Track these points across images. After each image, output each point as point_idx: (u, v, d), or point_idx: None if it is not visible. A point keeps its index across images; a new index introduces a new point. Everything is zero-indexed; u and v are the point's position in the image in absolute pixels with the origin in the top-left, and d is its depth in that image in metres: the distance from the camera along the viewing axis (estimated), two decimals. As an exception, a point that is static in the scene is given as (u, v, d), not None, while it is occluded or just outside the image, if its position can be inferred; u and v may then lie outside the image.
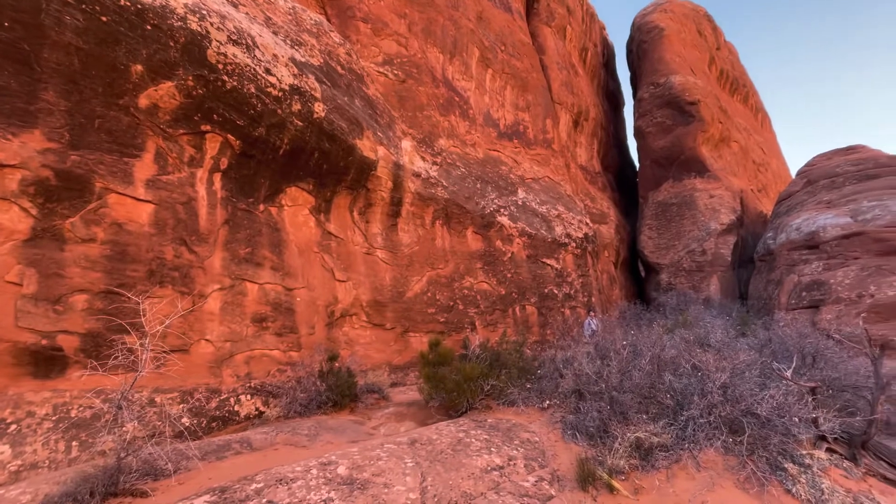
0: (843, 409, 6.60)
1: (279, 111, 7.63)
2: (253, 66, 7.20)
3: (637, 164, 25.60)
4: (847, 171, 15.86)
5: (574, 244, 16.41)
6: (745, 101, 29.76)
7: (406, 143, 11.33)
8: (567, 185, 18.78)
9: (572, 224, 16.81)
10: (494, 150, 15.52)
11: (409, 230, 11.15)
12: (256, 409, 6.97)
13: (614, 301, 21.37)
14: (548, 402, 6.77)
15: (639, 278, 25.03)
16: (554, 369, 7.67)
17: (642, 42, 24.88)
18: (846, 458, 5.31)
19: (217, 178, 7.35)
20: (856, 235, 12.82)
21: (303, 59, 8.72)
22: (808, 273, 13.62)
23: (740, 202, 21.50)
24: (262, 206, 8.10)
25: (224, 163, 7.38)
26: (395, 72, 12.37)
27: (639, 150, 24.39)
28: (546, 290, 14.87)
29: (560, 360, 7.82)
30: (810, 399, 5.75)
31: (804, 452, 5.03)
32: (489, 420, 6.10)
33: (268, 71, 7.45)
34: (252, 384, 7.18)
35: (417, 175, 11.11)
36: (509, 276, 13.62)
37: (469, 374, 6.68)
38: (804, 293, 13.26)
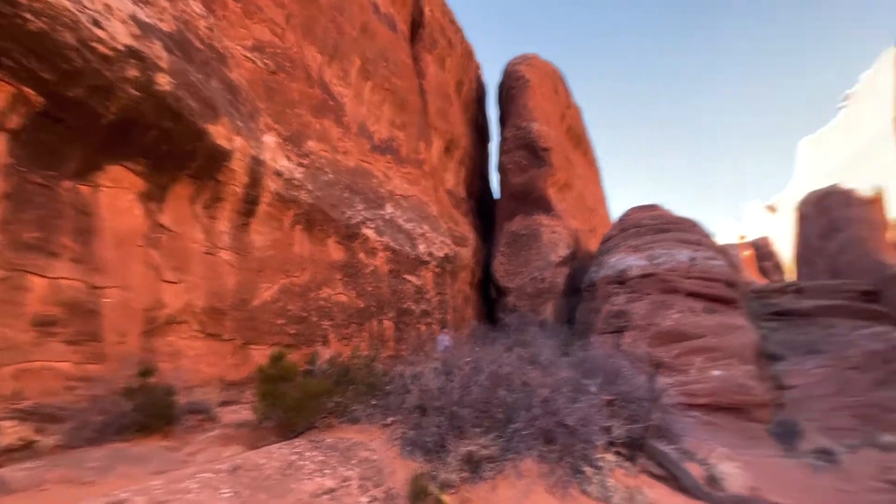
0: (631, 417, 8.06)
1: (107, 73, 6.36)
2: (74, 11, 5.89)
3: (497, 195, 28.11)
4: (649, 223, 19.87)
5: (435, 263, 17.09)
6: (585, 155, 35.27)
7: (270, 138, 10.50)
8: (434, 206, 19.59)
9: (435, 244, 17.53)
10: (366, 162, 15.40)
11: (264, 232, 10.26)
12: (22, 438, 5.45)
13: (467, 320, 22.76)
14: (391, 418, 6.78)
15: (490, 300, 27.21)
16: (402, 385, 7.75)
17: (511, 88, 27.75)
18: (627, 459, 6.46)
19: (1, 139, 5.74)
20: (650, 276, 16.07)
21: (148, 21, 7.47)
22: (617, 304, 16.52)
23: (575, 240, 25.15)
24: (68, 183, 6.58)
25: (15, 121, 5.82)
26: (266, 61, 11.46)
27: (500, 183, 26.85)
28: (405, 306, 15.09)
29: (409, 376, 7.94)
30: (607, 410, 6.89)
31: (599, 456, 5.97)
32: (328, 440, 5.83)
33: (96, 23, 6.18)
34: (22, 405, 5.63)
35: (279, 174, 10.34)
36: (370, 289, 13.48)
37: (312, 391, 6.32)
38: (613, 320, 16.02)
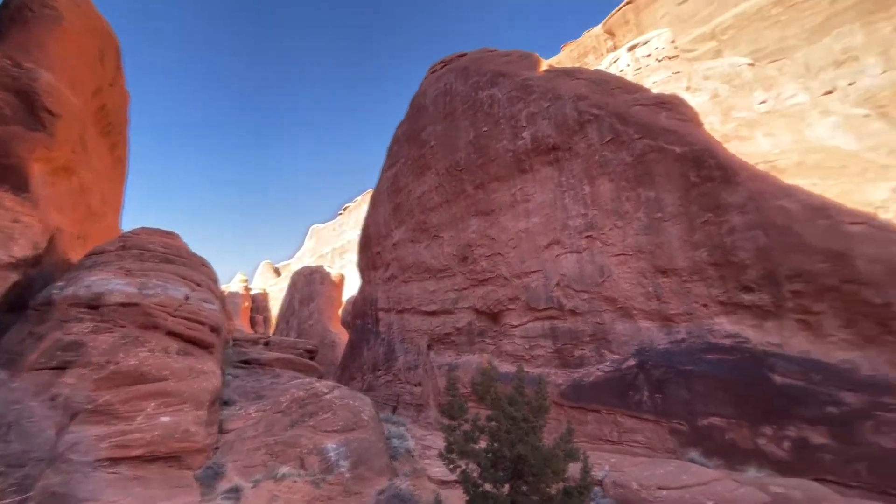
0: (18, 486, 6.03)
1: None
2: None
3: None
4: (157, 250, 18.00)
5: None
6: (113, 150, 28.99)
7: None
8: None
9: None
10: None
11: None
12: None
13: None
14: None
15: None
16: None
17: (28, 9, 19.63)
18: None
19: None
20: (133, 305, 14.07)
21: None
22: (76, 332, 13.15)
23: (49, 240, 18.97)
24: None
25: None
26: None
27: (-59, 118, 17.09)
28: None
29: None
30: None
31: None
32: None
33: None
34: None
35: None
36: None
37: None
38: (60, 352, 12.46)
